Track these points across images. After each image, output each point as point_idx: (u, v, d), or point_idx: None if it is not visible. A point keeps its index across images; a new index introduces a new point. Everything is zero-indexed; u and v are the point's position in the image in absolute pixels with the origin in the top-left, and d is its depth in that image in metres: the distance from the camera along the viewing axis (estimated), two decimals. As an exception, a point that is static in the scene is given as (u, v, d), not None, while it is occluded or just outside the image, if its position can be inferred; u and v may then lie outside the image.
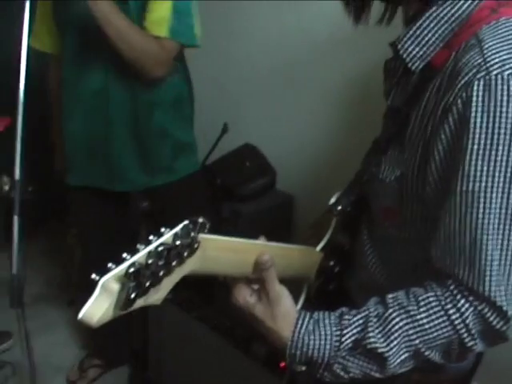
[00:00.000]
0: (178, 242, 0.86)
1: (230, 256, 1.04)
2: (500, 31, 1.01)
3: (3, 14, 2.84)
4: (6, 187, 1.83)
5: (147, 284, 0.81)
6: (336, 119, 2.89)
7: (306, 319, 1.10)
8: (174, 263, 0.86)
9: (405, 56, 1.11)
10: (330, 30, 2.80)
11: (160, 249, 0.83)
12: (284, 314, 1.10)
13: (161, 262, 0.83)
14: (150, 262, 0.81)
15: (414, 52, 1.11)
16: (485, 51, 0.99)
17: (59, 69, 2.30)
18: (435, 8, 1.08)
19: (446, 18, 1.08)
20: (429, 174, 1.08)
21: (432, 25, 1.09)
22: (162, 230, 0.88)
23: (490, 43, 1.00)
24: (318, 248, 1.35)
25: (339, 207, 1.37)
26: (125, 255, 0.81)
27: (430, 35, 1.09)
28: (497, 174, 0.99)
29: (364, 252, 1.31)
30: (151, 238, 0.86)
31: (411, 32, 1.10)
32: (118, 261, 0.81)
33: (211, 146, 2.95)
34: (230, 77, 3.21)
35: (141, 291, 0.81)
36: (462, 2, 1.07)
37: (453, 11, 1.07)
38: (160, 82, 2.20)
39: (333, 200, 1.40)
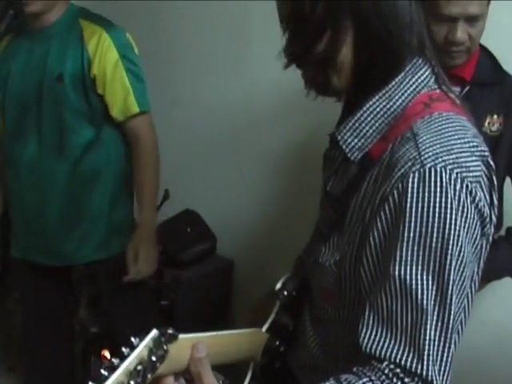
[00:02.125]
0: (153, 358, 0.95)
1: (181, 355, 1.08)
2: (433, 126, 1.11)
3: None
4: None
5: None
6: (275, 186, 3.06)
7: None
8: (149, 376, 0.95)
9: (344, 147, 1.20)
10: (270, 98, 2.98)
11: (138, 368, 0.93)
12: None
13: (139, 380, 0.93)
14: (131, 382, 0.92)
15: (353, 143, 1.19)
16: (419, 145, 1.08)
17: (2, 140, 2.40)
18: (372, 102, 1.17)
19: (381, 112, 1.17)
20: (364, 259, 1.14)
21: (369, 118, 1.18)
22: (133, 340, 0.95)
23: (424, 137, 1.09)
24: (264, 329, 1.41)
25: (285, 292, 1.41)
26: (103, 371, 0.91)
27: (367, 128, 1.18)
28: (432, 259, 1.06)
29: (305, 332, 1.37)
30: (124, 350, 0.94)
31: (350, 124, 1.19)
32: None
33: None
34: (171, 143, 3.38)
35: None
36: (397, 97, 1.16)
37: (388, 106, 1.17)
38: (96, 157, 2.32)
39: (278, 285, 1.44)
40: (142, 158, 2.33)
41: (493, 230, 1.18)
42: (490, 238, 1.18)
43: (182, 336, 1.04)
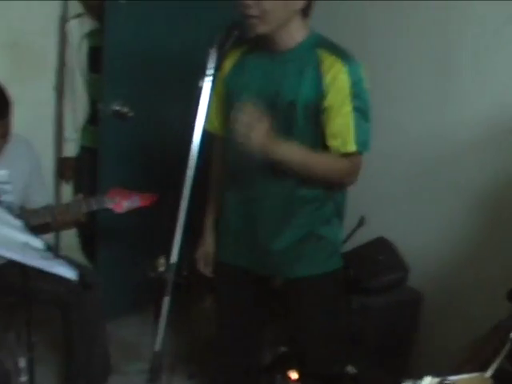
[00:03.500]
0: None
1: None
2: None
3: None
4: (161, 268, 2.13)
5: None
6: (474, 223, 3.04)
7: None
8: None
9: None
10: (473, 132, 3.01)
11: None
12: None
13: None
14: None
15: None
16: None
17: (222, 150, 2.51)
18: None
19: None
20: None
21: None
22: None
23: None
24: (488, 374, 1.40)
25: None
26: None
27: None
28: None
29: None
30: None
31: None
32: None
33: (345, 235, 3.22)
34: (372, 169, 3.48)
35: None
36: None
37: None
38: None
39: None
40: None
41: None
42: None
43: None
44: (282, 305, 2.94)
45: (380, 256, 3.23)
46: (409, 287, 3.29)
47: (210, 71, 2.02)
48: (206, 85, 2.02)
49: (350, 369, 2.71)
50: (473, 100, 2.98)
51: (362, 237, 3.30)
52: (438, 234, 3.20)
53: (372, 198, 3.47)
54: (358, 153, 2.27)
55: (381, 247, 3.29)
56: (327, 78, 2.20)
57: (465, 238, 3.10)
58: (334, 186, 2.36)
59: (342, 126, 2.23)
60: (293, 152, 2.18)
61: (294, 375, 2.68)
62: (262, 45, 2.24)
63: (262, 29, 2.15)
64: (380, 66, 3.35)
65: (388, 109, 3.37)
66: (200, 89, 2.04)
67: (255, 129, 2.03)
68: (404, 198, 3.37)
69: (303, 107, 2.22)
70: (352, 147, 2.23)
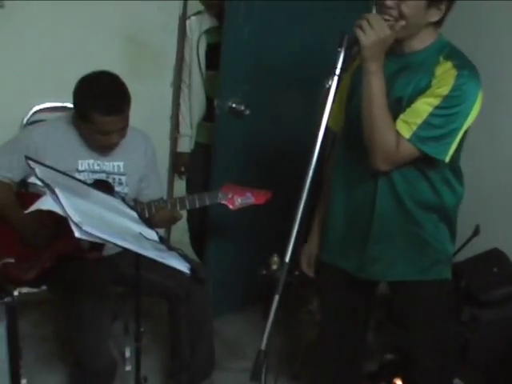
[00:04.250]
0: None
1: None
2: None
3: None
4: (274, 266, 2.17)
5: None
6: None
7: None
8: None
9: None
10: None
11: None
12: None
13: None
14: None
15: None
16: None
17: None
18: None
19: None
20: None
21: None
22: None
23: None
24: None
25: None
26: None
27: None
28: None
29: None
30: None
31: None
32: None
33: (459, 245, 3.19)
34: (490, 178, 3.45)
35: None
36: None
37: None
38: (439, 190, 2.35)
39: None
40: None
41: None
42: None
43: None
44: (388, 312, 2.94)
45: (494, 268, 3.17)
46: (522, 302, 3.20)
47: (337, 71, 2.04)
48: (333, 84, 2.03)
49: (458, 382, 2.68)
50: None
51: (477, 247, 3.25)
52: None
53: (488, 207, 3.42)
54: (411, 143, 2.19)
55: (495, 259, 3.22)
56: (435, 79, 2.18)
57: None
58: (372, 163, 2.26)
59: (416, 111, 2.18)
60: (381, 80, 2.15)
61: (398, 382, 2.68)
62: (389, 48, 2.20)
63: (396, 32, 2.14)
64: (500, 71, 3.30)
65: (510, 113, 3.32)
66: (328, 88, 2.05)
67: (374, 28, 2.05)
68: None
69: (408, 103, 2.21)
70: (407, 133, 2.18)
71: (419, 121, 2.16)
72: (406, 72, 2.27)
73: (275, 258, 2.17)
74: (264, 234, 3.57)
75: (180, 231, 4.01)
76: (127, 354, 3.41)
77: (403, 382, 2.68)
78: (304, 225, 2.12)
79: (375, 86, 2.14)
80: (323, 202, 2.63)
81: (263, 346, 1.99)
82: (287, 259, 1.97)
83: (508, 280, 3.15)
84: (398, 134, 2.18)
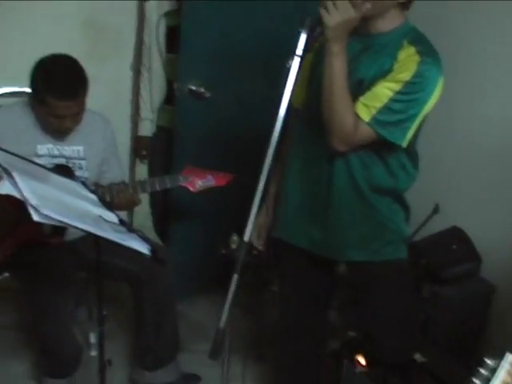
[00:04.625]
0: None
1: None
2: None
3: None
4: (234, 246, 2.18)
5: None
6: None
7: None
8: None
9: None
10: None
11: None
12: None
13: None
14: None
15: None
16: None
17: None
18: None
19: None
20: None
21: None
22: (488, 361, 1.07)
23: None
24: None
25: None
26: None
27: None
28: None
29: None
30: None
31: None
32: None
33: (419, 223, 3.24)
34: (448, 158, 3.51)
35: None
36: None
37: None
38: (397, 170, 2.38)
39: None
40: None
41: None
42: None
43: None
44: (348, 291, 2.98)
45: (453, 246, 3.23)
46: (481, 278, 3.27)
47: (299, 51, 2.05)
48: (294, 65, 2.04)
49: (419, 357, 2.73)
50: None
51: (437, 226, 3.31)
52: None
53: (447, 186, 3.47)
54: (370, 126, 2.21)
55: (454, 237, 3.27)
56: (397, 63, 2.21)
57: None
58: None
59: (377, 95, 2.20)
60: (343, 62, 2.15)
61: (361, 360, 2.71)
62: (354, 28, 2.21)
63: (361, 12, 2.15)
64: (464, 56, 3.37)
65: (467, 97, 3.37)
66: (288, 69, 2.07)
67: (339, 9, 2.05)
68: (480, 188, 3.34)
69: (368, 87, 2.23)
70: (367, 116, 2.20)
71: (379, 105, 2.19)
72: (369, 53, 2.29)
73: (234, 238, 2.18)
74: (227, 216, 3.59)
75: (143, 216, 4.02)
76: (92, 339, 3.41)
77: (365, 358, 2.72)
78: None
79: (337, 66, 2.15)
80: (277, 176, 2.63)
81: (222, 324, 2.01)
82: (246, 238, 1.99)
83: (467, 257, 3.21)
84: (356, 116, 2.20)
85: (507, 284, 3.19)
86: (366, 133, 2.22)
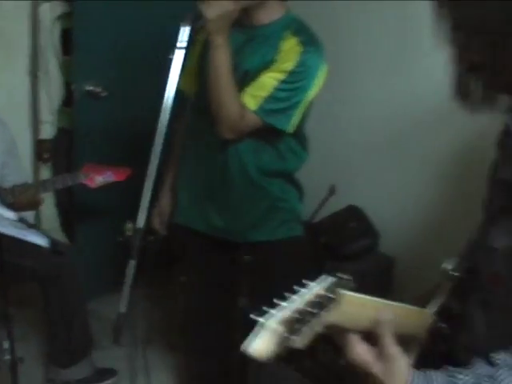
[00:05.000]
0: (328, 295, 1.07)
1: (360, 312, 1.19)
2: None
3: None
4: (129, 233, 2.25)
5: (300, 328, 1.03)
6: (440, 186, 3.19)
7: (421, 378, 1.19)
8: (321, 313, 1.05)
9: None
10: (440, 97, 3.16)
11: (316, 300, 1.05)
12: (400, 372, 1.19)
13: (314, 310, 1.05)
14: (306, 309, 1.04)
15: None
16: None
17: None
18: None
19: None
20: None
21: None
22: (309, 283, 1.08)
23: None
24: (430, 310, 1.44)
25: (455, 273, 1.43)
26: (283, 302, 1.04)
27: None
28: None
29: (472, 317, 1.40)
30: (301, 289, 1.06)
31: None
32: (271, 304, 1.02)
33: (317, 205, 3.35)
34: (339, 140, 3.64)
35: (294, 334, 1.02)
36: None
37: None
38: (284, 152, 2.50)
39: (448, 265, 1.45)
40: None
41: None
42: None
43: (363, 296, 1.16)
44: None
45: (351, 223, 3.37)
46: (381, 253, 3.44)
47: (181, 44, 2.13)
48: (176, 57, 2.12)
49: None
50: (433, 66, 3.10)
51: (335, 207, 3.45)
52: (407, 200, 3.35)
53: (342, 168, 3.63)
54: (256, 115, 2.32)
55: (352, 215, 3.42)
56: (280, 54, 2.31)
57: (432, 201, 3.25)
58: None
59: (262, 84, 2.30)
60: (226, 54, 2.23)
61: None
62: (237, 20, 2.30)
63: (240, 3, 2.23)
64: (348, 42, 3.52)
65: (359, 81, 3.53)
66: (170, 61, 2.14)
67: (219, 2, 2.15)
68: (373, 167, 3.50)
69: (253, 77, 2.33)
70: (253, 105, 2.30)
71: (264, 94, 2.29)
72: (252, 44, 2.39)
73: (129, 225, 2.25)
74: (132, 210, 3.65)
75: (50, 218, 4.03)
76: (5, 345, 3.41)
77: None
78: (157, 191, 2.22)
79: (220, 59, 2.24)
80: (173, 164, 2.71)
81: (122, 309, 2.07)
82: (139, 225, 2.06)
83: (364, 233, 3.37)
84: (243, 105, 2.30)
85: (405, 256, 3.37)
86: (252, 121, 2.33)
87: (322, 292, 1.07)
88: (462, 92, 1.26)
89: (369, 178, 3.52)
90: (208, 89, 2.31)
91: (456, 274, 1.43)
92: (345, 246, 3.30)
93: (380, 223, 3.40)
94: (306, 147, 2.59)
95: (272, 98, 2.30)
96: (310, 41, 2.35)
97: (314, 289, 1.08)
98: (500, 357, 1.20)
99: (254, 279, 2.76)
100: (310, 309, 1.04)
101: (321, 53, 2.36)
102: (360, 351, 1.19)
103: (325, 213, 3.40)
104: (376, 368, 1.17)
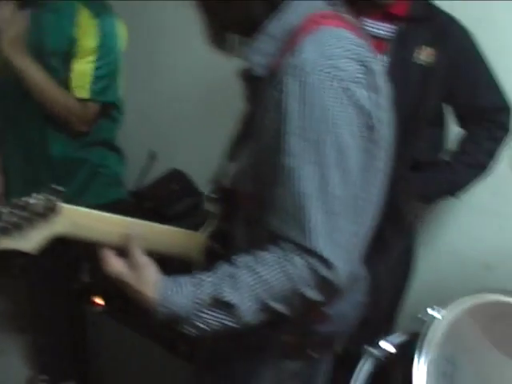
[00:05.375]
0: (37, 201, 1.24)
1: (100, 226, 1.38)
2: (317, 38, 1.29)
3: None
4: None
5: (9, 227, 1.21)
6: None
7: (169, 282, 1.36)
8: (35, 218, 1.22)
9: (250, 64, 1.41)
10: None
11: (21, 203, 1.22)
12: (149, 277, 1.36)
13: (24, 214, 1.21)
14: (12, 211, 1.20)
15: (256, 60, 1.39)
16: (302, 54, 1.27)
17: None
18: (269, 24, 1.38)
19: (276, 32, 1.37)
20: (268, 157, 1.34)
21: (267, 38, 1.38)
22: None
23: (307, 48, 1.27)
24: (202, 232, 1.65)
25: (213, 195, 1.68)
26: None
27: (266, 47, 1.38)
28: (313, 150, 1.25)
29: (237, 234, 1.57)
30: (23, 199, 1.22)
31: (253, 46, 1.40)
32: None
33: (139, 173, 3.47)
34: (155, 108, 3.78)
35: (4, 232, 1.20)
36: (288, 18, 1.36)
37: (280, 25, 1.36)
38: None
39: (209, 192, 1.69)
40: None
41: (383, 133, 1.40)
42: (382, 144, 1.40)
43: (91, 210, 1.37)
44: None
45: (174, 185, 3.48)
46: (205, 210, 3.56)
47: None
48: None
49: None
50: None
51: (156, 173, 3.56)
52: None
53: (160, 134, 3.78)
54: (93, 101, 2.49)
55: (174, 178, 3.53)
56: (79, 30, 2.43)
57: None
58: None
59: (82, 73, 2.44)
60: (35, 70, 2.35)
61: (99, 301, 2.91)
62: None
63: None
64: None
65: (169, 49, 3.67)
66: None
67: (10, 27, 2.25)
68: (189, 132, 3.68)
69: (58, 55, 2.44)
70: (86, 94, 2.46)
71: (88, 79, 2.44)
72: (47, 17, 2.46)
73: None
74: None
75: None
76: None
77: (103, 299, 2.92)
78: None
79: (35, 77, 2.36)
80: None
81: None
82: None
83: (187, 193, 3.49)
84: (79, 99, 2.44)
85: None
86: (93, 107, 2.49)
87: (35, 200, 1.25)
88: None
89: (187, 142, 3.71)
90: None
91: (215, 196, 1.68)
92: (169, 207, 3.39)
93: (203, 183, 3.51)
94: (122, 111, 2.76)
95: (95, 78, 2.45)
96: (99, 10, 2.46)
97: (27, 198, 1.25)
98: (241, 259, 1.36)
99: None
100: (23, 213, 1.22)
101: (112, 16, 2.49)
102: (113, 263, 1.38)
103: (148, 179, 3.51)
104: (128, 277, 1.37)
